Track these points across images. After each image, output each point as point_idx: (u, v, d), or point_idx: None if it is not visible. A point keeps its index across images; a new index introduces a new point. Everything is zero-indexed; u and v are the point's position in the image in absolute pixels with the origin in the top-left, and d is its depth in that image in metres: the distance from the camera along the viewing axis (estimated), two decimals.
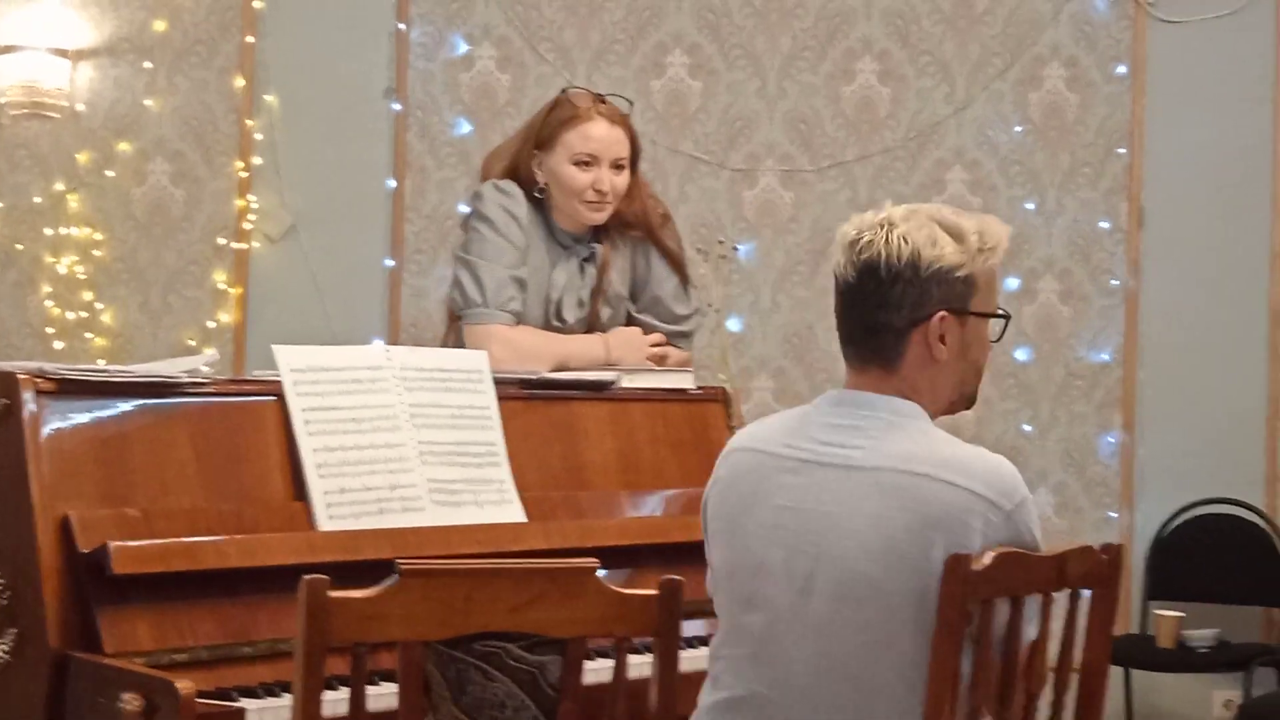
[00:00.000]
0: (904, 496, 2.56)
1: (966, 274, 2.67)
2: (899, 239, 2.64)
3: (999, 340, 2.77)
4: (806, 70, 6.11)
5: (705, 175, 6.09)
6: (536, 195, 3.98)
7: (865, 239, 2.66)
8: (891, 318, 2.66)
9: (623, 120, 4.01)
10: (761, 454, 2.71)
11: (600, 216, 3.99)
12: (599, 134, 3.96)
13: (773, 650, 2.59)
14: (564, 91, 4.05)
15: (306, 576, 2.19)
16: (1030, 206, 6.14)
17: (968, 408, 2.80)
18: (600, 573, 2.87)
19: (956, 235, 2.67)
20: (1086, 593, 2.70)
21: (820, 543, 2.59)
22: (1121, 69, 6.13)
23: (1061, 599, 2.65)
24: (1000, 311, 2.74)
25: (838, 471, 2.63)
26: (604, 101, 4.02)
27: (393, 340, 5.83)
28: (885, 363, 2.68)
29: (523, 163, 3.99)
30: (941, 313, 2.65)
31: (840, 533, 2.58)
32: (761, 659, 2.61)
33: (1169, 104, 6.12)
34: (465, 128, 5.98)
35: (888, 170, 6.13)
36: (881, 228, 2.66)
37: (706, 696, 2.68)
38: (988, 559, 2.45)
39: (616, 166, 3.97)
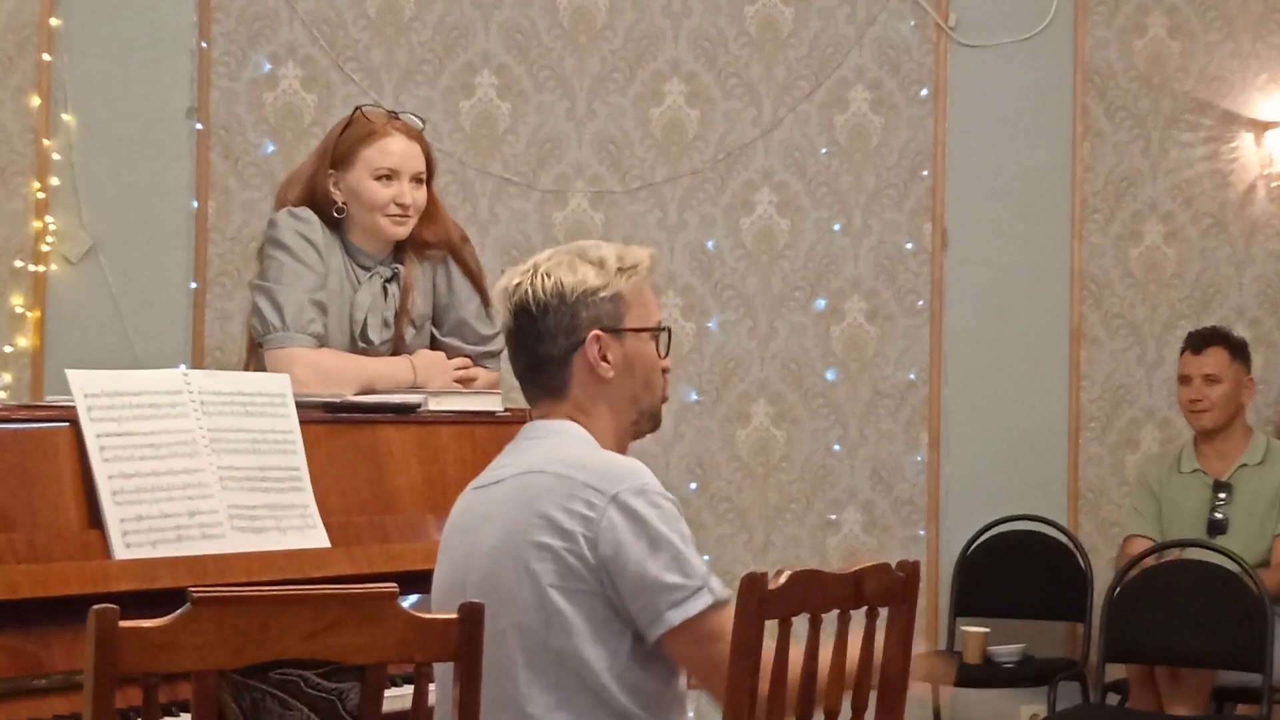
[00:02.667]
0: (521, 493, 2.75)
1: (613, 294, 2.84)
2: (543, 276, 2.83)
3: (666, 355, 2.92)
4: (615, 92, 6.12)
5: (515, 196, 6.08)
6: (336, 215, 3.94)
7: (515, 283, 2.85)
8: (550, 348, 2.84)
9: (418, 136, 4.00)
10: (462, 495, 2.92)
11: (403, 231, 3.96)
12: (397, 148, 3.94)
13: None
14: (357, 109, 4.02)
15: (95, 606, 2.14)
16: (837, 228, 6.21)
17: (653, 427, 2.97)
18: (411, 598, 2.85)
19: (597, 262, 2.85)
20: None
21: (468, 555, 2.78)
22: (924, 92, 6.22)
23: (859, 617, 2.68)
24: (659, 326, 2.91)
25: (488, 489, 2.82)
26: (397, 118, 4.01)
27: (197, 364, 5.74)
28: (552, 393, 2.86)
29: (320, 184, 3.94)
30: (595, 332, 2.83)
31: (477, 540, 2.77)
32: None
33: (970, 127, 6.24)
34: (270, 148, 5.91)
35: (697, 191, 6.16)
36: (528, 271, 2.85)
37: None
38: (783, 578, 2.47)
39: (416, 180, 3.95)
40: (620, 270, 2.85)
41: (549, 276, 2.82)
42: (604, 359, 2.84)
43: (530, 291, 2.83)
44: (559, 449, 2.80)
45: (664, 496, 2.75)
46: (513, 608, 2.69)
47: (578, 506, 2.69)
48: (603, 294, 2.83)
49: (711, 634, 2.66)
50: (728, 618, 2.65)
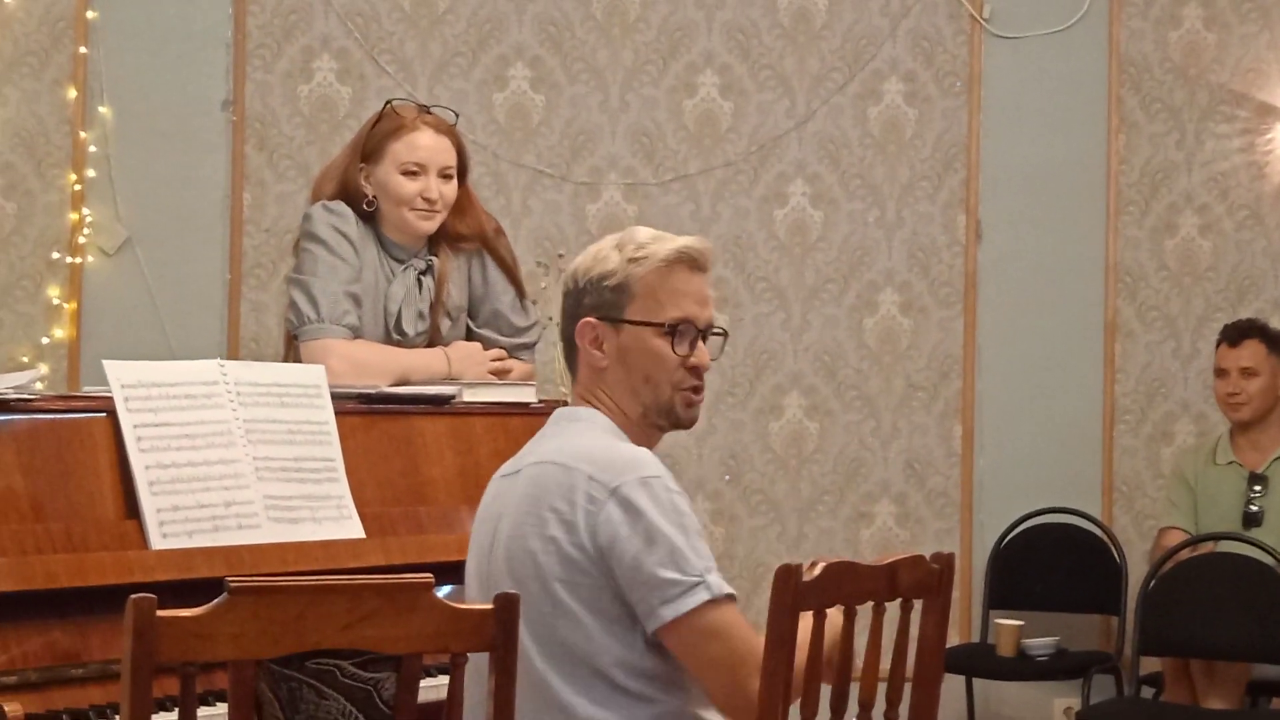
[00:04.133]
0: (533, 485, 2.75)
1: (618, 282, 2.80)
2: (576, 258, 2.83)
3: (690, 353, 2.84)
4: (649, 84, 6.12)
5: (548, 189, 6.08)
6: (366, 208, 3.96)
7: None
8: (565, 330, 2.86)
9: (449, 130, 4.00)
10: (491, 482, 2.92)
11: (430, 225, 3.97)
12: (425, 143, 3.95)
13: None
14: (388, 104, 4.03)
15: (133, 596, 2.15)
16: (871, 220, 6.20)
17: (674, 424, 2.88)
18: (445, 589, 2.85)
19: (620, 246, 2.82)
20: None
21: (492, 544, 2.80)
22: (958, 84, 6.21)
23: (894, 609, 2.68)
24: (668, 322, 2.81)
25: (510, 478, 2.83)
26: (429, 112, 4.02)
27: (232, 356, 5.75)
28: (572, 373, 2.87)
29: (351, 177, 3.96)
30: (585, 319, 2.81)
31: (498, 529, 2.78)
32: None
33: (1005, 118, 6.22)
34: (305, 140, 5.92)
35: (730, 183, 6.15)
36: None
37: None
38: (818, 570, 2.46)
39: (444, 175, 3.96)
40: (630, 260, 2.81)
41: (579, 257, 2.85)
42: (599, 348, 2.83)
43: (567, 271, 2.87)
44: (574, 439, 2.79)
45: (668, 488, 2.71)
46: (526, 598, 2.67)
47: (580, 499, 2.69)
48: (608, 282, 2.81)
49: (706, 631, 2.65)
50: (726, 616, 2.65)
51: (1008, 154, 6.22)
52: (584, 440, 2.79)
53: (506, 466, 2.90)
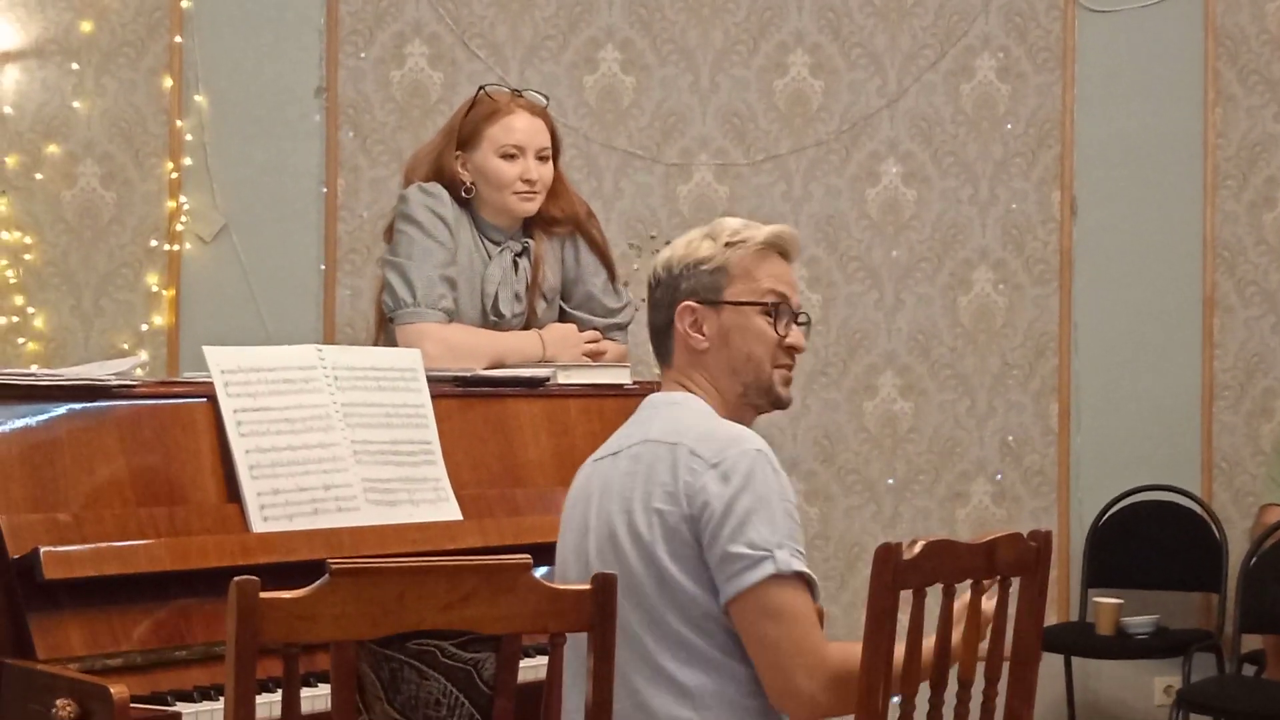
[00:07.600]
0: (634, 463, 2.78)
1: (716, 265, 2.87)
2: (661, 250, 2.91)
3: (787, 331, 2.89)
4: (739, 64, 6.11)
5: (639, 170, 6.08)
6: (465, 195, 3.98)
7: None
8: (657, 319, 2.91)
9: (542, 112, 4.03)
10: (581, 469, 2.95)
11: (531, 207, 4.00)
12: (522, 125, 3.97)
13: None
14: (481, 89, 4.06)
15: (237, 578, 2.18)
16: (964, 197, 6.16)
17: (774, 405, 2.94)
18: (541, 570, 2.87)
19: (713, 235, 2.89)
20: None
21: (587, 523, 2.82)
22: (1052, 59, 6.16)
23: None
24: (767, 301, 2.87)
25: (606, 460, 2.86)
26: (521, 96, 4.04)
27: (328, 340, 5.80)
28: (664, 361, 2.92)
29: (446, 165, 3.98)
30: (685, 303, 2.86)
31: (598, 508, 2.81)
32: None
33: (1099, 93, 6.16)
34: (397, 125, 5.96)
35: (821, 163, 6.14)
36: (663, 246, 2.94)
37: None
38: (917, 548, 2.46)
39: (541, 157, 3.99)
40: (728, 244, 2.87)
41: (663, 251, 2.91)
42: (699, 331, 2.87)
43: (654, 265, 2.92)
44: (676, 420, 2.82)
45: (768, 464, 2.74)
46: (626, 569, 2.71)
47: (682, 472, 2.72)
48: (705, 266, 2.86)
49: (765, 610, 2.66)
50: (789, 598, 2.65)
51: (1102, 129, 6.17)
52: (687, 420, 2.82)
53: (602, 450, 2.91)
